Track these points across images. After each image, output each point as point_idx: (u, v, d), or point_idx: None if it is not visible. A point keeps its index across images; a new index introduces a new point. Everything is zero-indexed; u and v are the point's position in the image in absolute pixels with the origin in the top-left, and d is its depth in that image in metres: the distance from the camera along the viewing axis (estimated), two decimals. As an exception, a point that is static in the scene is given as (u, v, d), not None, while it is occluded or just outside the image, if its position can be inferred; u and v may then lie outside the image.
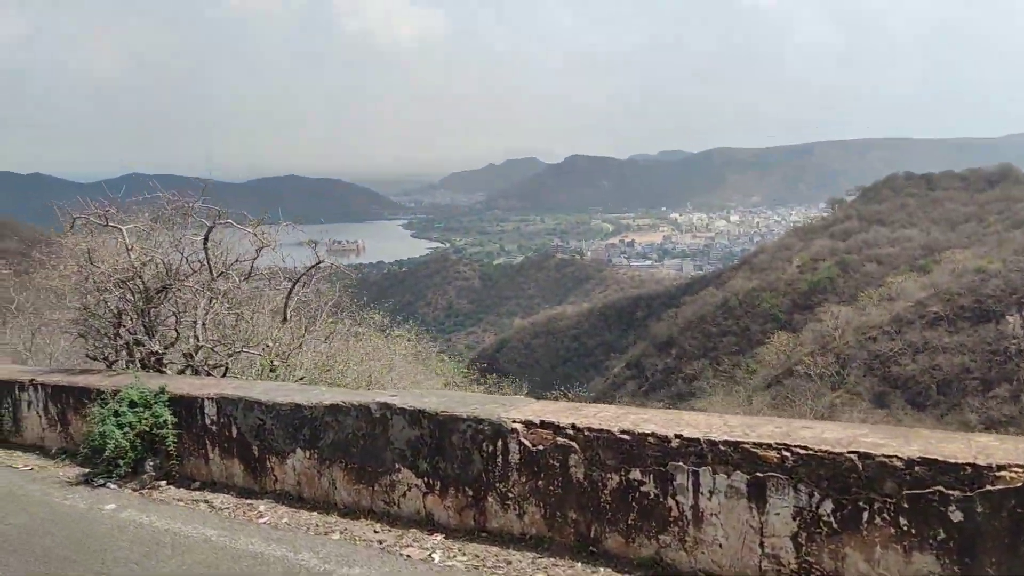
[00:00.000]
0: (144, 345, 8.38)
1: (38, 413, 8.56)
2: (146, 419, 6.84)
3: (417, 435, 5.50)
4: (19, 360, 16.02)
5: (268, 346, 8.86)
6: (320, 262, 10.10)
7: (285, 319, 9.38)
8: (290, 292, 9.58)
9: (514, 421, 5.02)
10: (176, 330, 8.58)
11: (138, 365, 8.42)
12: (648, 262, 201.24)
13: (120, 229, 8.67)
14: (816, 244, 61.79)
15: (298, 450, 6.21)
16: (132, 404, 6.90)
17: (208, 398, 6.78)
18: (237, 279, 8.87)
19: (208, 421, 6.80)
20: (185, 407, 6.92)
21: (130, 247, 8.53)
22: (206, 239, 8.69)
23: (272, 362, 8.77)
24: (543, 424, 4.90)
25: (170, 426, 6.87)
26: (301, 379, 9.02)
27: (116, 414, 6.87)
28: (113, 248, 8.69)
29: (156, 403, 6.93)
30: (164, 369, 8.43)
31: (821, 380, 41.91)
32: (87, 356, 9.16)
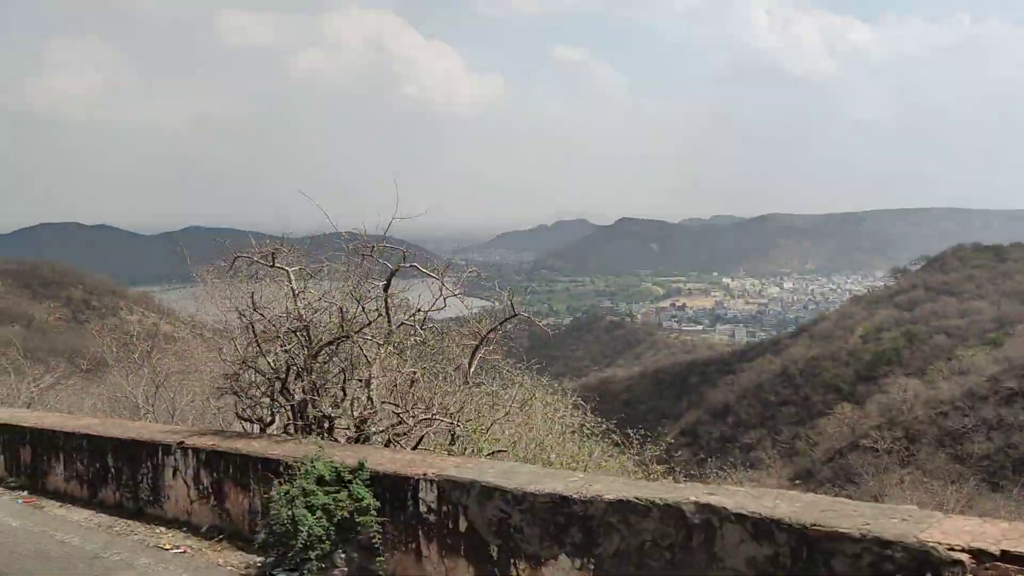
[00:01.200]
0: (315, 406, 7.09)
1: (186, 482, 7.26)
2: (343, 503, 5.61)
3: (767, 555, 3.92)
4: (137, 415, 15.01)
5: (452, 413, 7.35)
6: (514, 315, 8.50)
7: (466, 381, 7.86)
8: (476, 349, 8.21)
9: (952, 548, 3.31)
10: (343, 389, 7.23)
11: (298, 429, 7.21)
12: (699, 327, 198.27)
13: (286, 271, 7.52)
14: (880, 314, 59.80)
15: (562, 557, 4.77)
16: (322, 481, 5.70)
17: (424, 479, 5.47)
18: (420, 330, 7.61)
19: (424, 509, 5.47)
20: (390, 489, 5.63)
21: (297, 292, 7.41)
22: (387, 285, 7.52)
23: (454, 432, 7.32)
24: (1007, 556, 3.16)
25: (373, 512, 5.61)
26: (492, 455, 7.44)
27: (306, 493, 5.62)
28: (270, 294, 7.67)
29: (353, 482, 5.68)
30: (335, 437, 7.14)
31: (888, 455, 39.81)
32: (237, 416, 8.06)
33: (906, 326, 57.10)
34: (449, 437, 7.39)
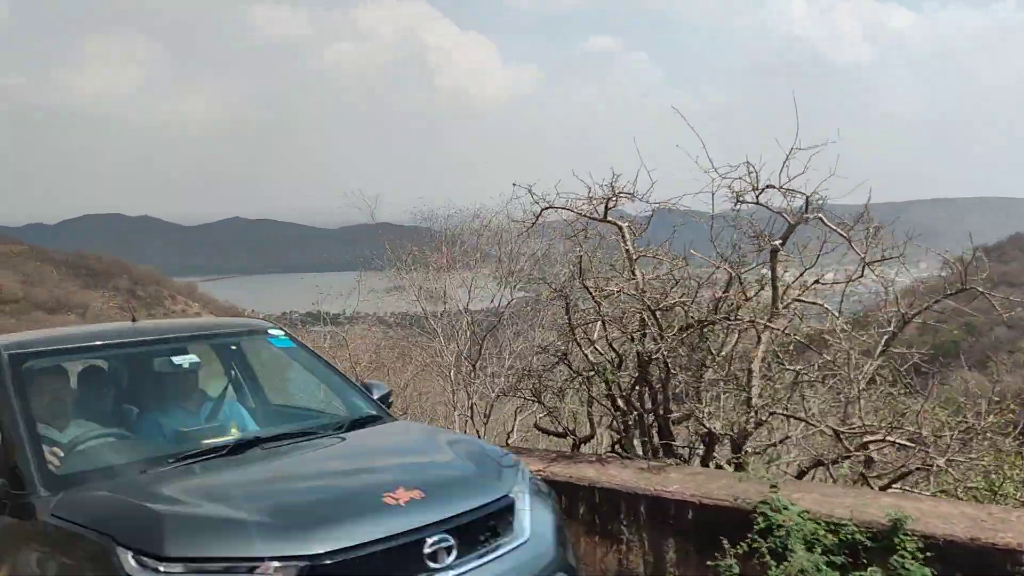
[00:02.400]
0: (678, 419, 4.75)
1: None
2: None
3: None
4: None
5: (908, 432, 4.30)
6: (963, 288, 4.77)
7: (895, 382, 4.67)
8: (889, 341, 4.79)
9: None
10: (705, 393, 4.77)
11: (648, 449, 4.79)
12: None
13: (619, 226, 5.02)
14: (936, 306, 57.45)
15: None
16: (812, 547, 3.28)
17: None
18: (834, 313, 4.97)
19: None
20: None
21: (635, 256, 4.97)
22: (774, 254, 4.70)
23: (928, 464, 4.23)
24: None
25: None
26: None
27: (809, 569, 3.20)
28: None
29: (899, 548, 3.11)
30: (716, 460, 4.71)
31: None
32: (536, 427, 6.26)
33: (965, 318, 54.37)
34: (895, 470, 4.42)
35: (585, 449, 5.52)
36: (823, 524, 3.32)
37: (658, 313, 4.66)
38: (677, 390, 4.76)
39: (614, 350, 5.00)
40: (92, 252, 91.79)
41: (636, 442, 4.89)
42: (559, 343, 5.47)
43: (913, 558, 3.10)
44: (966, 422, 4.36)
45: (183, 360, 3.66)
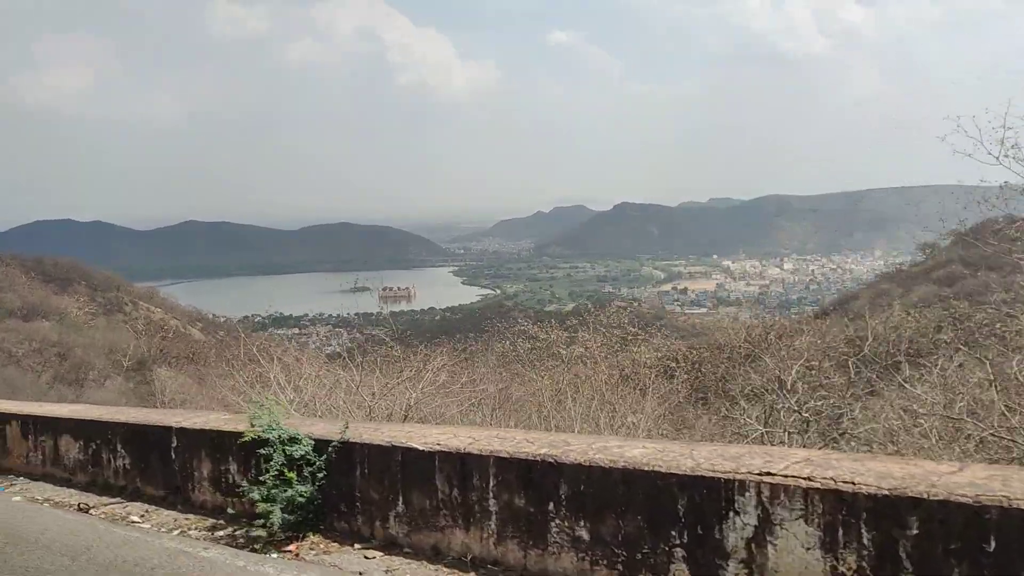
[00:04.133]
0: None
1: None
2: None
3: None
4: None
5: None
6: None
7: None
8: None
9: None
10: None
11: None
12: (703, 309, 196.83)
13: None
14: (918, 290, 57.86)
15: None
16: None
17: None
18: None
19: None
20: None
21: None
22: None
23: None
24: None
25: None
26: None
27: None
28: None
29: None
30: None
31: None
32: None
33: (948, 302, 55.00)
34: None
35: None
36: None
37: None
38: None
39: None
40: (51, 256, 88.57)
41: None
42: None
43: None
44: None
45: None
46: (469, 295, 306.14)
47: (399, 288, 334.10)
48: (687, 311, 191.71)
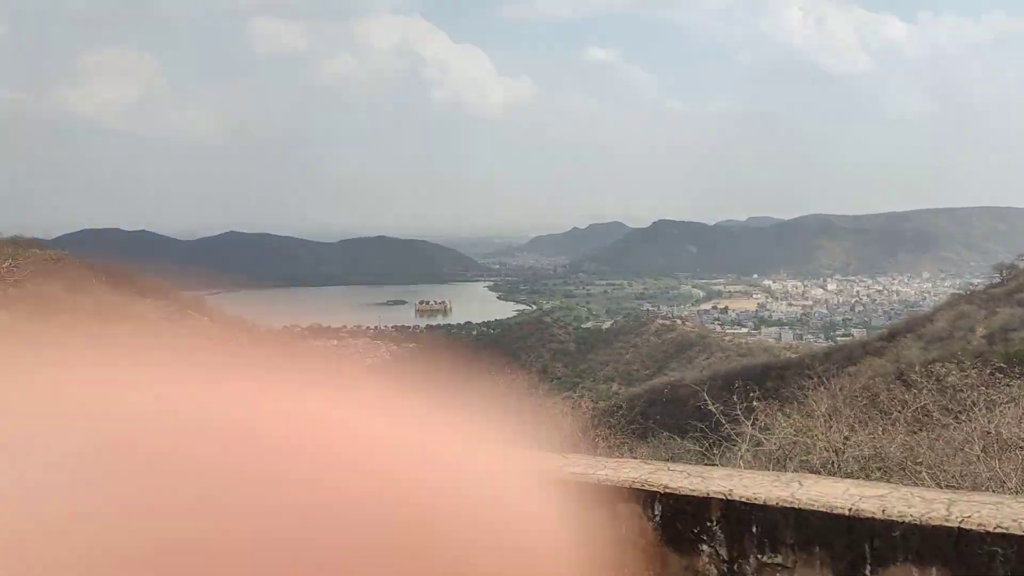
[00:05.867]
0: None
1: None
2: None
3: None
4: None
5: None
6: None
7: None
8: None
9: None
10: None
11: None
12: (744, 329, 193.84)
13: None
14: (1002, 312, 55.09)
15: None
16: None
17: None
18: None
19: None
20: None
21: None
22: None
23: None
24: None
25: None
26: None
27: None
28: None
29: None
30: None
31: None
32: None
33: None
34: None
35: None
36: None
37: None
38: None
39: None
40: (105, 263, 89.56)
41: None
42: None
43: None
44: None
45: None
46: (505, 310, 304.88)
47: (435, 302, 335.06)
48: (729, 331, 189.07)
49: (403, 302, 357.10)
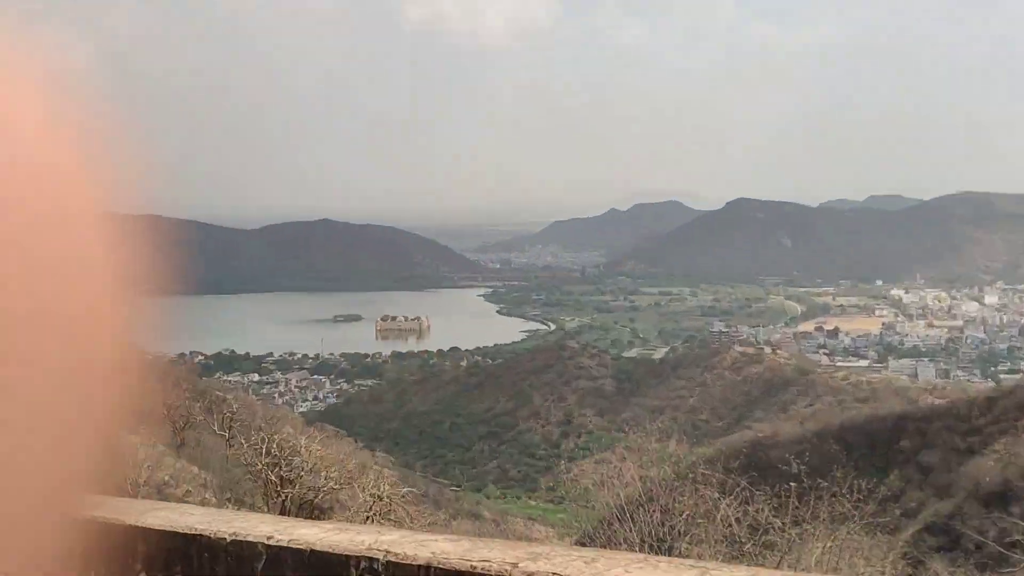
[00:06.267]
0: None
1: None
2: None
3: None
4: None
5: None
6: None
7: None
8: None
9: None
10: None
11: None
12: (864, 362, 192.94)
13: None
14: None
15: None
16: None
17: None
18: None
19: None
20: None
21: None
22: None
23: None
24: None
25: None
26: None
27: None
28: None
29: None
30: None
31: None
32: None
33: None
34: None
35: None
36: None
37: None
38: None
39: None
40: None
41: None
42: None
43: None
44: None
45: None
46: (509, 331, 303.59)
47: (405, 318, 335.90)
48: (841, 363, 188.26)
49: (358, 317, 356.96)
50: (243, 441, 22.69)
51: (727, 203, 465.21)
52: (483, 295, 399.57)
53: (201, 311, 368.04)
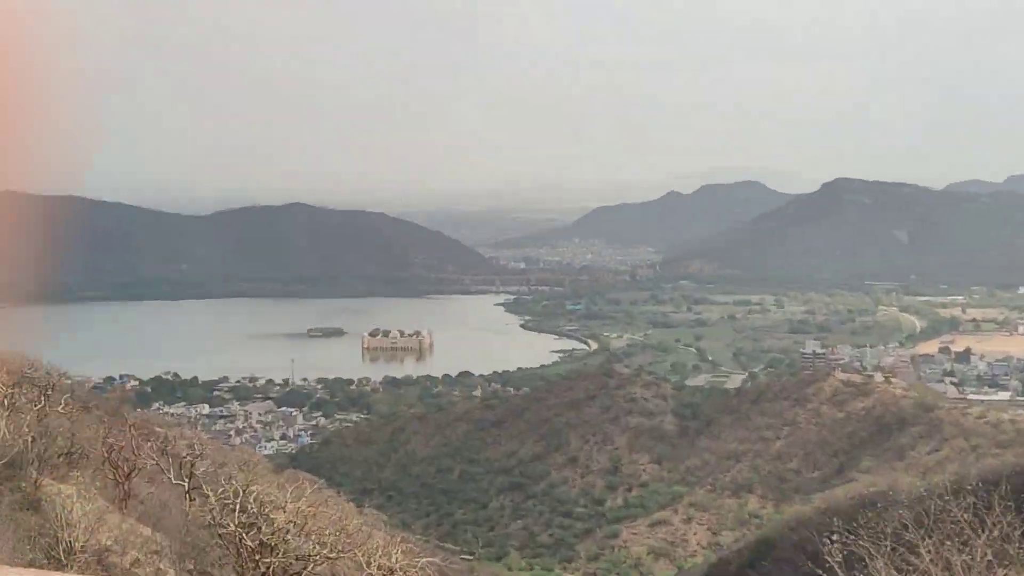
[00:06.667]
0: None
1: None
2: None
3: None
4: None
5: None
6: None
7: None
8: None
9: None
10: None
11: None
12: (1006, 395, 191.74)
13: None
14: None
15: None
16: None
17: None
18: None
19: None
20: None
21: None
22: None
23: None
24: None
25: None
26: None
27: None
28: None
29: None
30: None
31: None
32: None
33: None
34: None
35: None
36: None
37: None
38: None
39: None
40: None
41: None
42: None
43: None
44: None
45: None
46: (537, 351, 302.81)
47: (400, 333, 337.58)
48: (974, 395, 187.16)
49: (339, 331, 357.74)
50: (209, 493, 22.49)
51: (823, 184, 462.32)
52: (502, 303, 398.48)
53: (133, 322, 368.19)
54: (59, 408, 34.01)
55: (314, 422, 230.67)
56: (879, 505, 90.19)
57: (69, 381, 52.67)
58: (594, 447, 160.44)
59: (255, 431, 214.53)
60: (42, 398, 33.85)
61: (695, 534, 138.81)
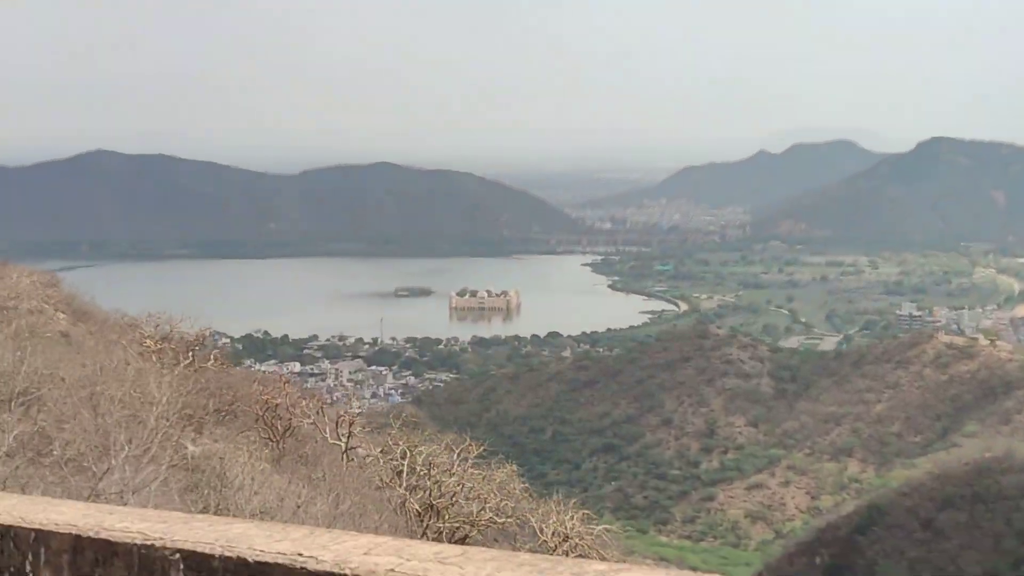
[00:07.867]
0: None
1: None
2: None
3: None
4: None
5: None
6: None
7: None
8: None
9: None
10: None
11: None
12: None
13: None
14: None
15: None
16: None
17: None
18: None
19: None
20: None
21: None
22: None
23: None
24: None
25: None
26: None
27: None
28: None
29: None
30: None
31: None
32: None
33: None
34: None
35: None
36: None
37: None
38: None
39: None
40: None
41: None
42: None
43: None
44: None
45: None
46: (626, 311, 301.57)
47: (488, 293, 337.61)
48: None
49: (428, 291, 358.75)
50: (377, 455, 22.10)
51: (918, 144, 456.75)
52: (589, 264, 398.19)
53: (221, 280, 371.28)
54: (208, 364, 34.07)
55: (404, 381, 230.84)
56: (996, 471, 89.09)
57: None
58: (689, 409, 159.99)
59: (346, 389, 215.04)
60: (190, 354, 33.83)
61: (793, 498, 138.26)
